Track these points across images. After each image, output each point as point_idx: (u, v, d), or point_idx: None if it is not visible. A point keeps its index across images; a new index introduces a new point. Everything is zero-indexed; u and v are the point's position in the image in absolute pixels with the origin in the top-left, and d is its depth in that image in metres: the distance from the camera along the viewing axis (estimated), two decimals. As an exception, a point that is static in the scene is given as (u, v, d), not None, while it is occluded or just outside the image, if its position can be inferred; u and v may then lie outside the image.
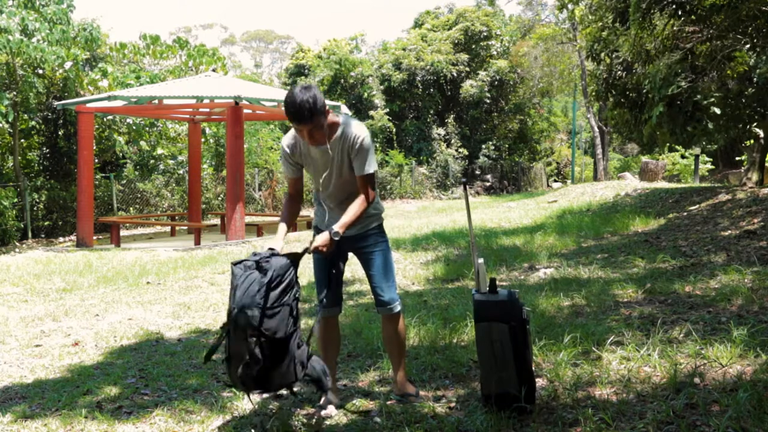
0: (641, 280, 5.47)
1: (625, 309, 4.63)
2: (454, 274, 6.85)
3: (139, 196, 17.84)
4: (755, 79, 9.48)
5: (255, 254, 2.83)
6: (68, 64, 15.02)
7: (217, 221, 15.98)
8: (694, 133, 9.89)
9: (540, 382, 3.30)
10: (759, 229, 6.80)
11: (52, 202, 15.08)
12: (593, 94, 12.98)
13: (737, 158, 21.74)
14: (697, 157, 18.99)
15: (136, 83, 15.97)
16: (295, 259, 2.88)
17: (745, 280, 5.00)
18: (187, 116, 15.08)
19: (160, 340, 4.98)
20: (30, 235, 14.39)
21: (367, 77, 26.90)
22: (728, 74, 9.76)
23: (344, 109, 14.43)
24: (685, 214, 8.84)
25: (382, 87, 26.74)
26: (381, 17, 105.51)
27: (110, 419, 3.25)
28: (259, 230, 12.54)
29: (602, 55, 11.30)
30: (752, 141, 13.33)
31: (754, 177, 12.77)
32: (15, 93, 14.32)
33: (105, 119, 16.49)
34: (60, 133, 16.14)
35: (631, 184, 15.09)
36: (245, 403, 3.37)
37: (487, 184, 28.03)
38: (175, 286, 7.40)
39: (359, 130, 3.09)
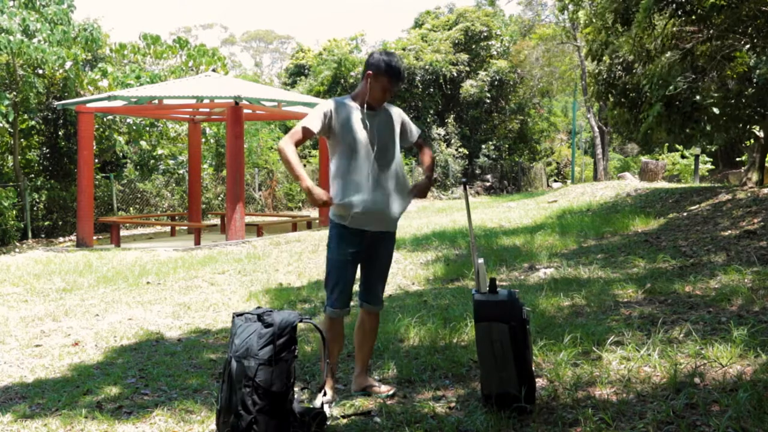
0: (641, 280, 5.47)
1: (625, 309, 4.63)
2: (454, 274, 6.85)
3: (139, 196, 17.84)
4: (755, 79, 9.48)
5: (258, 308, 2.83)
6: (68, 64, 15.01)
7: (217, 221, 15.98)
8: (693, 133, 9.89)
9: (540, 382, 3.30)
10: (759, 229, 6.80)
11: (52, 202, 15.08)
12: (593, 94, 12.97)
13: (737, 158, 21.75)
14: (697, 157, 18.99)
15: (136, 83, 15.97)
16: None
17: (745, 280, 5.00)
18: (187, 116, 15.08)
19: (160, 340, 4.99)
20: (30, 235, 14.39)
21: (367, 77, 26.88)
22: (728, 74, 9.76)
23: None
24: (685, 214, 8.84)
25: (382, 87, 26.74)
26: (381, 17, 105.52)
27: (110, 419, 3.25)
28: (259, 230, 12.53)
29: (602, 55, 11.30)
30: (752, 141, 13.33)
31: (754, 177, 12.76)
32: (15, 93, 14.32)
33: (105, 119, 16.49)
34: (60, 133, 16.14)
35: (631, 184, 15.08)
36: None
37: (487, 184, 28.02)
38: (175, 286, 7.40)
39: (394, 106, 3.48)
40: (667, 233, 7.84)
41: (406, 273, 7.26)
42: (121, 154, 17.93)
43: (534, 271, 6.65)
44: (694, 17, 8.85)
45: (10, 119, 13.59)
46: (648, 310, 4.50)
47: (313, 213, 18.10)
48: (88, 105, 12.45)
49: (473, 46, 28.22)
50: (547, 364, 3.58)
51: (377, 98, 3.30)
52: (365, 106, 3.32)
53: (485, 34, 28.39)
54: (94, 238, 12.82)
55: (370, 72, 3.27)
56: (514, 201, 18.06)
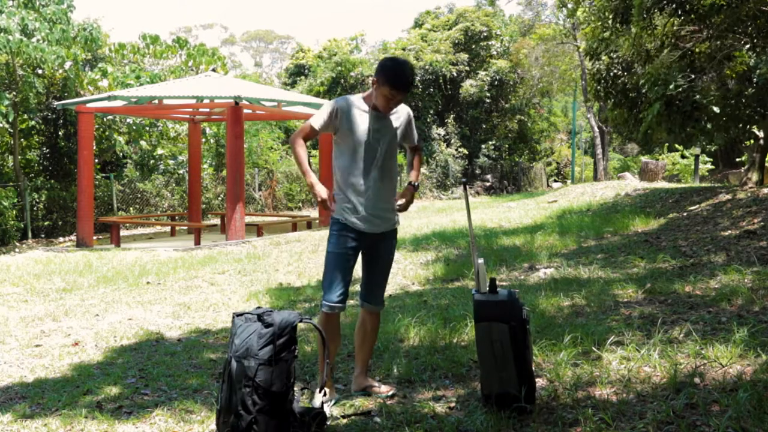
0: (641, 280, 5.47)
1: (625, 309, 4.63)
2: (454, 274, 6.85)
3: (139, 196, 17.84)
4: (755, 79, 9.47)
5: (258, 308, 2.83)
6: (68, 64, 15.02)
7: (217, 221, 15.98)
8: (693, 132, 9.89)
9: (540, 382, 3.30)
10: (759, 229, 6.80)
11: (52, 202, 15.08)
12: (592, 93, 12.97)
13: (737, 158, 21.74)
14: (697, 157, 18.98)
15: (136, 83, 15.97)
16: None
17: (745, 280, 4.99)
18: (187, 116, 15.08)
19: (160, 340, 4.99)
20: (30, 235, 14.39)
21: (367, 77, 26.89)
22: (728, 74, 9.76)
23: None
24: (685, 214, 8.84)
25: (382, 87, 26.74)
26: (381, 17, 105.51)
27: (110, 419, 3.25)
28: (259, 230, 12.53)
29: (601, 54, 11.30)
30: (752, 141, 13.33)
31: (754, 177, 12.75)
32: (15, 93, 14.32)
33: (105, 119, 16.49)
34: (60, 133, 16.14)
35: (631, 184, 15.08)
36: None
37: (487, 184, 28.02)
38: (175, 286, 7.40)
39: (405, 105, 3.43)
40: (667, 233, 7.84)
41: (406, 273, 7.26)
42: (121, 154, 17.93)
43: (534, 271, 6.64)
44: (693, 17, 8.85)
45: (10, 119, 13.58)
46: (648, 310, 4.50)
47: (313, 213, 18.11)
48: (88, 105, 12.45)
49: (473, 46, 28.22)
50: (547, 364, 3.58)
51: (382, 106, 3.30)
52: (374, 108, 3.34)
53: (485, 34, 28.39)
54: (94, 238, 12.82)
55: (379, 78, 3.26)
56: (514, 201, 18.06)
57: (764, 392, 2.81)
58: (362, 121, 3.29)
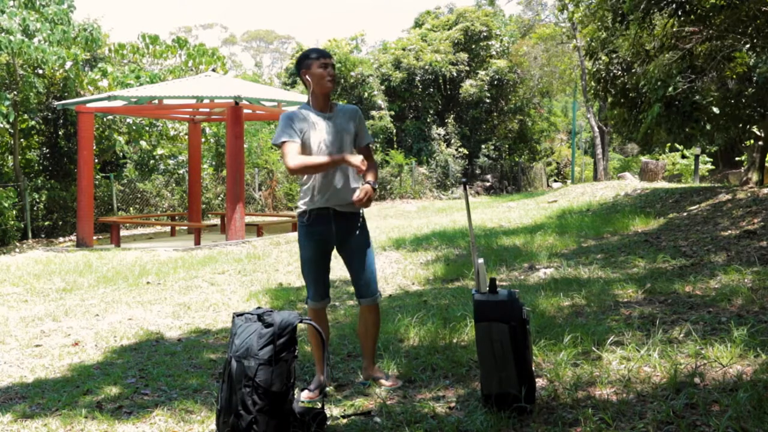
0: (641, 280, 5.47)
1: (625, 309, 4.63)
2: (454, 274, 6.85)
3: (139, 196, 17.84)
4: (755, 79, 9.48)
5: (258, 308, 2.85)
6: (68, 64, 15.02)
7: (217, 221, 15.97)
8: (692, 133, 9.89)
9: (540, 382, 3.30)
10: (759, 229, 6.80)
11: (52, 202, 15.08)
12: (591, 92, 12.98)
13: (737, 158, 21.73)
14: (697, 157, 18.97)
15: (136, 83, 15.96)
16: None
17: (745, 280, 5.00)
18: (187, 116, 15.07)
19: (160, 340, 4.99)
20: (30, 235, 14.39)
21: (367, 77, 26.90)
22: (728, 74, 9.76)
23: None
24: (685, 214, 8.84)
25: (382, 87, 26.73)
26: (381, 17, 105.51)
27: (110, 419, 3.25)
28: (259, 230, 12.53)
29: (601, 54, 11.30)
30: (752, 141, 13.33)
31: (754, 177, 12.76)
32: (15, 93, 14.32)
33: (105, 119, 16.49)
34: (60, 133, 16.14)
35: (631, 184, 15.08)
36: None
37: (487, 184, 28.00)
38: (175, 286, 7.40)
39: (352, 105, 3.51)
40: (667, 233, 7.84)
41: (406, 273, 7.26)
42: (121, 154, 17.93)
43: (534, 271, 6.64)
44: (693, 17, 8.85)
45: (10, 119, 13.58)
46: (648, 310, 4.50)
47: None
48: (88, 105, 12.44)
49: (473, 46, 28.22)
50: (547, 364, 3.58)
51: (323, 85, 3.35)
52: (318, 108, 3.42)
53: (485, 34, 28.38)
54: (94, 238, 12.81)
55: (303, 70, 3.38)
56: (514, 201, 18.06)
57: (764, 392, 2.81)
58: (312, 122, 3.36)
